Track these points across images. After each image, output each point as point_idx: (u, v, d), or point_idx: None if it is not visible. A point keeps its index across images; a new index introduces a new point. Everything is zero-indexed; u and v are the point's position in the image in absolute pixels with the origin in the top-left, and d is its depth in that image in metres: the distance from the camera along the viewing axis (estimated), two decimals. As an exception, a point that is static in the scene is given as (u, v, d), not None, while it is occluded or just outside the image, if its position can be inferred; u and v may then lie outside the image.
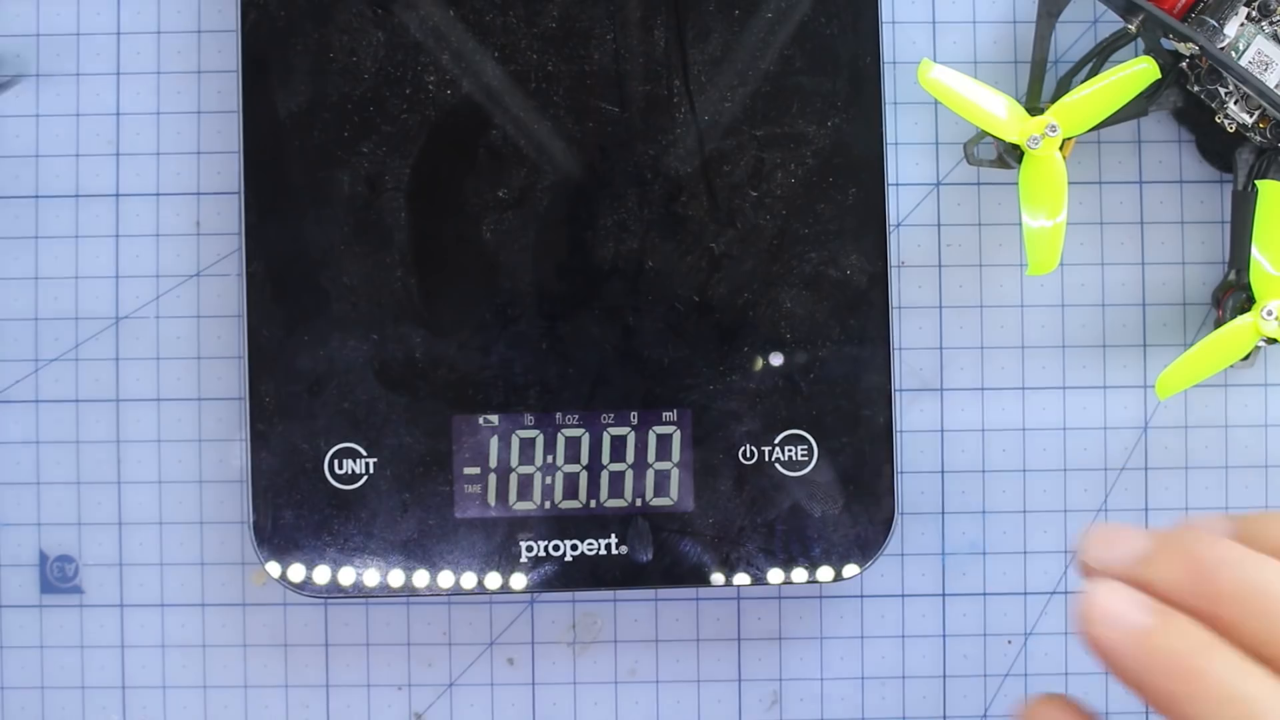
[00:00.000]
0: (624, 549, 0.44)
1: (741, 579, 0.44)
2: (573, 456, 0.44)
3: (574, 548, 0.43)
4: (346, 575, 0.43)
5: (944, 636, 0.46)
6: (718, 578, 0.44)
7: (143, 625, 0.45)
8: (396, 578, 0.43)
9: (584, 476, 0.44)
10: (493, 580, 0.43)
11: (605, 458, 0.44)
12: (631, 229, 0.43)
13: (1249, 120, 0.43)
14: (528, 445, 0.43)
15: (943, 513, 0.46)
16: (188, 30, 0.45)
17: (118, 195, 0.45)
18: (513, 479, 0.43)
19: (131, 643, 0.45)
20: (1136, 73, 0.42)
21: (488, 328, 0.43)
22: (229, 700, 0.46)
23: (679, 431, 0.44)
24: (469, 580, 0.43)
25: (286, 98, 0.43)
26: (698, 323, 0.43)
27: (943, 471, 0.46)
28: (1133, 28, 0.43)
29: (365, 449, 0.43)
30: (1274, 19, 0.42)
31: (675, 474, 0.44)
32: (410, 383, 0.43)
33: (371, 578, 0.43)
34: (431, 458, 0.43)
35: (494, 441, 0.43)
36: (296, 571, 0.43)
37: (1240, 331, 0.42)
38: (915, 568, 0.46)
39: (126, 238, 0.45)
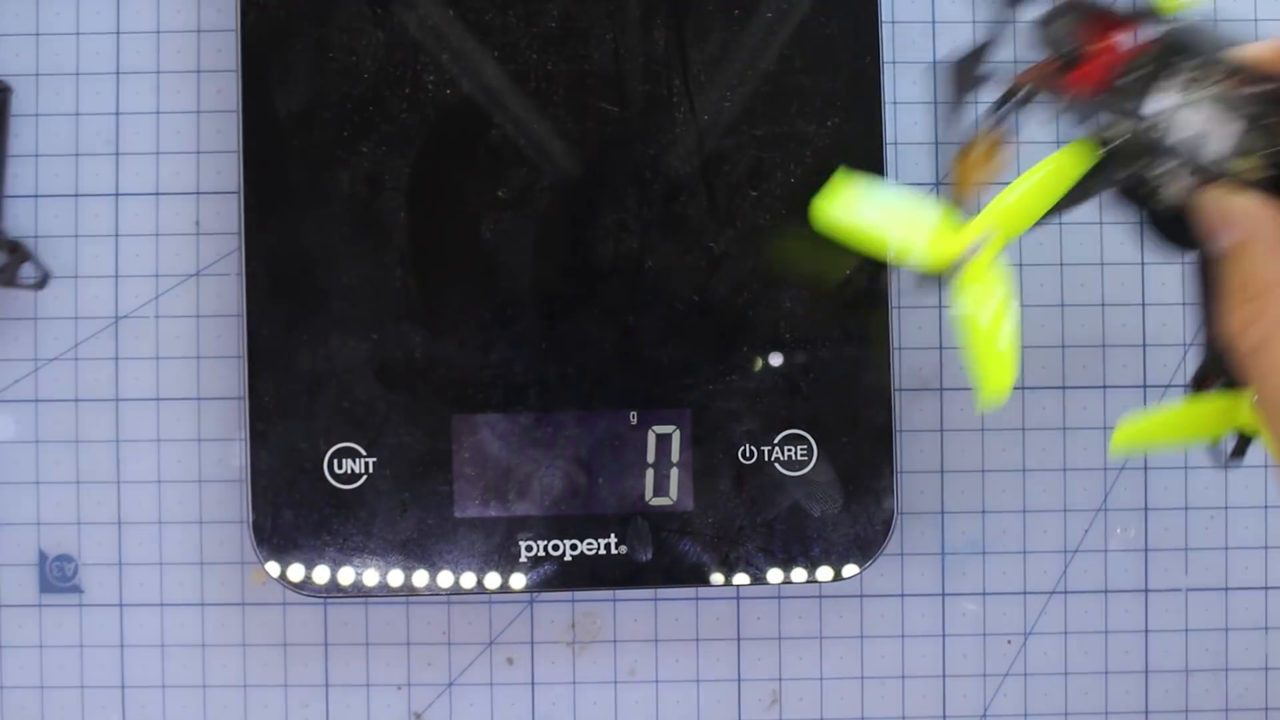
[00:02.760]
0: (624, 549, 0.44)
1: (741, 579, 0.44)
2: (572, 456, 0.44)
3: (573, 547, 0.43)
4: (346, 575, 0.43)
5: (944, 636, 0.46)
6: (717, 577, 0.44)
7: (142, 625, 0.45)
8: (396, 577, 0.43)
9: (583, 476, 0.44)
10: (492, 580, 0.43)
11: (605, 458, 0.44)
12: (631, 229, 0.43)
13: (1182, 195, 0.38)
14: (527, 445, 0.43)
15: (942, 512, 0.46)
16: (187, 30, 0.45)
17: (117, 195, 0.45)
18: (512, 479, 0.43)
19: (131, 642, 0.45)
20: (1068, 158, 0.37)
21: (488, 327, 0.43)
22: (229, 700, 0.46)
23: (679, 431, 0.44)
24: (468, 580, 0.43)
25: (286, 97, 0.43)
26: (698, 323, 0.43)
27: (943, 471, 0.46)
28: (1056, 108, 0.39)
29: (365, 449, 0.43)
30: (1206, 82, 0.37)
31: (675, 474, 0.44)
32: (410, 382, 0.43)
33: (371, 577, 0.43)
34: (431, 457, 0.43)
35: (494, 441, 0.43)
36: (296, 571, 0.43)
37: (1218, 411, 0.38)
38: (915, 567, 0.46)
39: (126, 237, 0.45)
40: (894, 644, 0.46)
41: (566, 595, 0.46)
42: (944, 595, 0.46)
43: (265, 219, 0.43)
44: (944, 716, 0.46)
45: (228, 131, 0.45)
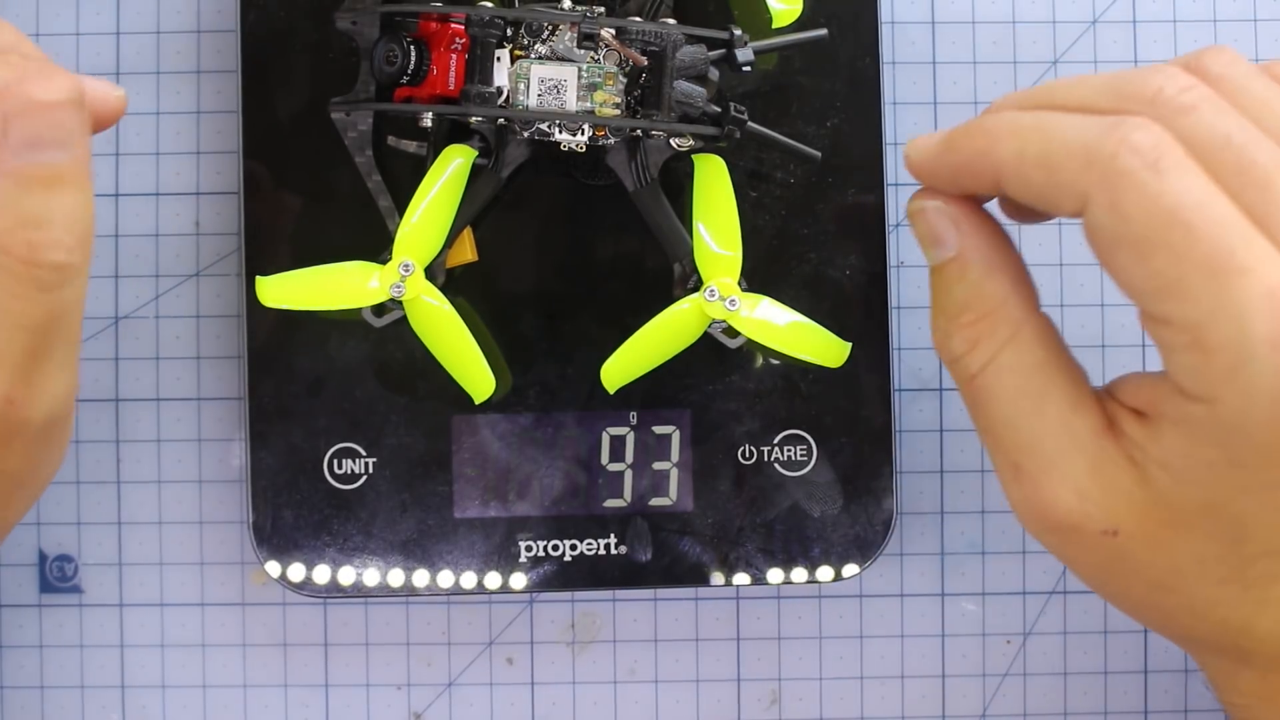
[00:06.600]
0: (623, 549, 0.44)
1: (741, 579, 0.44)
2: (572, 456, 0.44)
3: (573, 547, 0.44)
4: (346, 575, 0.43)
5: (943, 636, 0.46)
6: (717, 577, 0.44)
7: (142, 625, 0.45)
8: (396, 577, 0.43)
9: (583, 476, 0.44)
10: (492, 580, 0.43)
11: (604, 458, 0.44)
12: (631, 229, 0.43)
13: (584, 139, 0.41)
14: (527, 445, 0.43)
15: (942, 513, 0.46)
16: (187, 30, 0.45)
17: (117, 195, 0.45)
18: (512, 479, 0.43)
19: (131, 642, 0.45)
20: (444, 165, 0.41)
21: (488, 327, 0.43)
22: (228, 700, 0.46)
23: (678, 431, 0.44)
24: (468, 580, 0.43)
25: (286, 98, 0.43)
26: (697, 323, 0.43)
27: (942, 471, 0.46)
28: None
29: (365, 449, 0.43)
30: (542, 37, 0.41)
31: (674, 474, 0.44)
32: (410, 383, 0.43)
33: (371, 577, 0.43)
34: (431, 458, 0.43)
35: (494, 441, 0.43)
36: (296, 571, 0.43)
37: (688, 314, 0.42)
38: (914, 567, 0.46)
39: (126, 238, 0.45)
40: (894, 644, 0.46)
41: (566, 595, 0.46)
42: (944, 595, 0.46)
43: (265, 219, 0.43)
44: (944, 716, 0.46)
45: (228, 131, 0.45)
